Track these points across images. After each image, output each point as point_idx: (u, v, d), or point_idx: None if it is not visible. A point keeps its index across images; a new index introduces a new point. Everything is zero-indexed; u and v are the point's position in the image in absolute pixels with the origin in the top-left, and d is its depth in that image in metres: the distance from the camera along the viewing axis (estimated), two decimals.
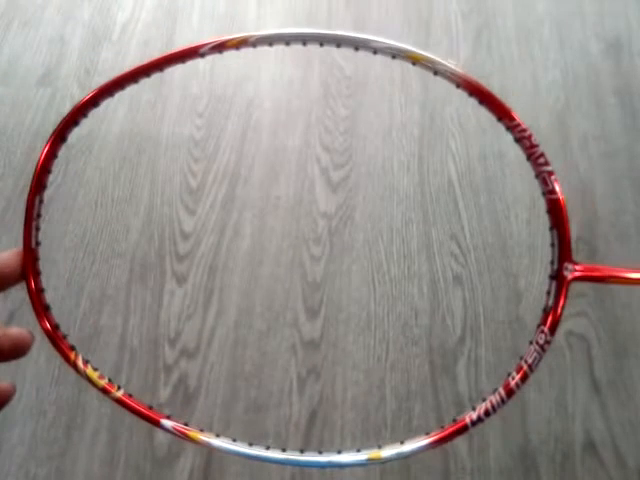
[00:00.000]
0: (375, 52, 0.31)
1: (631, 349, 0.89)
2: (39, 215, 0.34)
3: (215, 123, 1.07)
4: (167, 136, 1.06)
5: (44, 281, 0.34)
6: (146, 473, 0.81)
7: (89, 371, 0.35)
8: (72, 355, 0.35)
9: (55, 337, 0.35)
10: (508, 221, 0.98)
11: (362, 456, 0.34)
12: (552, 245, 0.34)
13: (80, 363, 0.34)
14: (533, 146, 0.32)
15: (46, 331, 0.35)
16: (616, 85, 1.11)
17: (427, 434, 0.35)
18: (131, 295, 0.93)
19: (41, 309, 0.34)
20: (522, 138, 0.33)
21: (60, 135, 0.34)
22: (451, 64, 0.31)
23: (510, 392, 0.35)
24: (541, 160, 0.33)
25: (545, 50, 1.15)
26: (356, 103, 1.10)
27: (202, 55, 0.30)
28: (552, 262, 0.34)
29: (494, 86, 1.24)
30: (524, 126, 0.32)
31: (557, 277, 0.34)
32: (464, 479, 0.81)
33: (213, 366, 0.88)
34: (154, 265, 0.95)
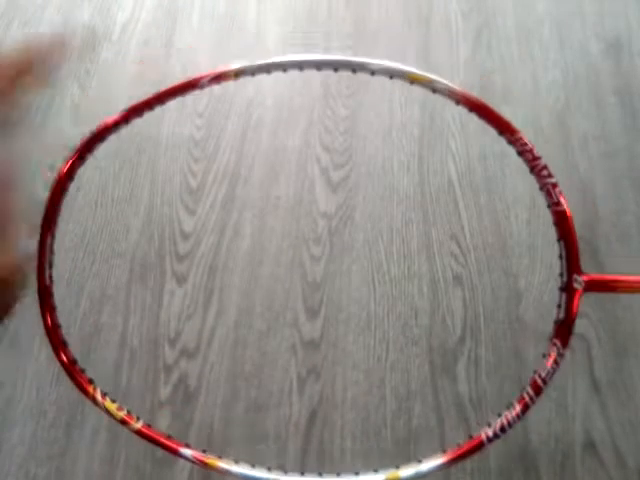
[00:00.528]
0: (373, 74, 0.31)
1: (631, 349, 0.89)
2: (52, 252, 0.34)
3: (215, 123, 1.07)
4: (167, 136, 1.06)
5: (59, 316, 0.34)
6: (146, 473, 0.81)
7: (107, 403, 0.35)
8: (90, 389, 0.35)
9: (73, 371, 0.35)
10: (508, 221, 0.98)
11: (380, 477, 0.35)
12: (560, 257, 0.34)
13: (99, 396, 0.35)
14: (535, 159, 0.32)
15: (65, 366, 0.35)
16: (616, 85, 1.11)
17: (444, 452, 0.35)
18: (131, 295, 0.93)
19: (59, 344, 0.35)
20: (524, 152, 0.32)
21: (68, 175, 0.34)
22: (448, 83, 0.31)
23: (525, 407, 0.34)
24: (544, 172, 0.32)
25: (545, 50, 1.15)
26: (356, 103, 1.10)
27: (201, 87, 0.30)
28: (561, 274, 0.34)
29: (494, 86, 1.24)
30: (525, 140, 0.32)
31: (567, 289, 0.33)
32: (464, 479, 0.81)
33: (213, 366, 0.88)
34: (154, 265, 0.95)
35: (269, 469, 0.36)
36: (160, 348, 0.89)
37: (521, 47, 1.15)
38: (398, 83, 1.19)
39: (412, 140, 1.06)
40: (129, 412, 0.35)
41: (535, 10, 1.20)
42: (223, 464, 0.36)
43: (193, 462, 0.35)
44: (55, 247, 1.04)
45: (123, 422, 0.35)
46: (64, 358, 0.35)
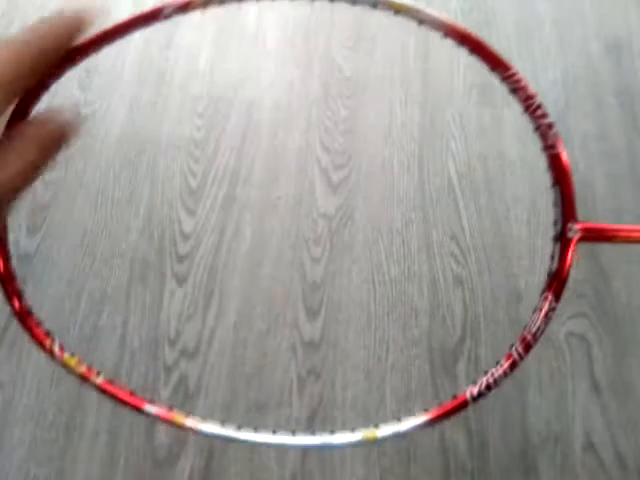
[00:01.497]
0: (354, 3, 0.28)
1: (631, 350, 0.89)
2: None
3: (215, 123, 1.07)
4: (167, 136, 1.06)
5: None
6: (146, 474, 0.81)
7: (66, 357, 0.32)
8: (48, 341, 0.32)
9: (29, 322, 0.32)
10: (508, 221, 0.98)
11: (356, 436, 0.32)
12: (554, 205, 0.31)
13: (57, 349, 0.32)
14: (530, 97, 0.30)
15: (19, 316, 0.32)
16: (616, 85, 1.11)
17: (425, 411, 0.33)
18: (131, 295, 0.93)
19: (13, 292, 0.31)
20: (518, 89, 0.30)
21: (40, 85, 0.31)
22: (435, 13, 0.28)
23: (513, 364, 0.32)
24: (539, 112, 0.30)
25: (545, 50, 1.15)
26: (356, 103, 1.10)
27: (167, 17, 0.27)
28: (555, 222, 0.32)
29: (494, 86, 1.23)
30: (520, 76, 0.29)
31: (561, 238, 0.31)
32: (464, 478, 0.81)
33: (213, 366, 0.88)
34: (154, 265, 0.95)
35: (239, 427, 0.34)
36: (160, 349, 0.89)
37: (521, 47, 1.15)
38: (398, 83, 1.19)
39: (412, 140, 1.06)
40: (89, 367, 0.33)
41: (535, 10, 1.20)
42: (190, 422, 0.34)
43: (158, 419, 0.34)
44: (55, 247, 1.05)
45: (83, 378, 0.33)
46: (17, 306, 0.31)
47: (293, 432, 0.33)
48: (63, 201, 1.00)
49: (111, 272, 0.95)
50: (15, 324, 0.91)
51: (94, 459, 0.82)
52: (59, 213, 0.99)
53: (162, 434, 0.83)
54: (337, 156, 1.04)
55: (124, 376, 0.87)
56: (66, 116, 0.25)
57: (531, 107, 0.29)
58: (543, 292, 0.32)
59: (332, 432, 0.32)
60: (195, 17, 1.20)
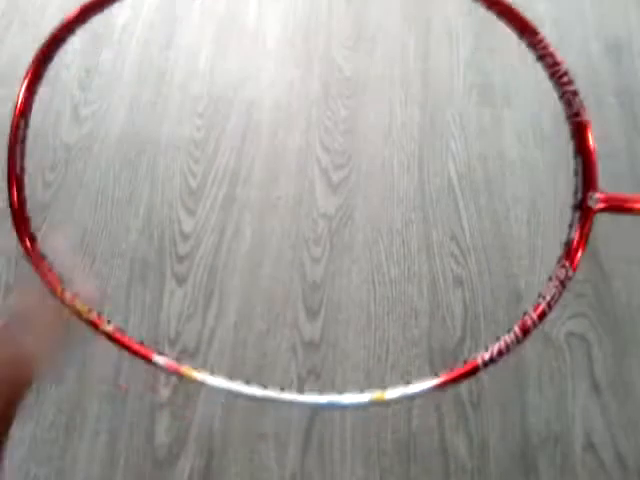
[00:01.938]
0: None
1: (631, 350, 0.89)
2: (23, 140, 0.32)
3: (215, 124, 1.07)
4: (167, 137, 1.06)
5: None
6: (146, 474, 0.81)
7: (77, 304, 0.33)
8: (59, 287, 0.33)
9: (42, 266, 0.32)
10: (508, 222, 0.98)
11: (365, 397, 0.32)
12: (575, 174, 0.31)
13: (68, 296, 0.32)
14: (557, 64, 0.29)
15: (33, 259, 0.32)
16: (616, 85, 1.11)
17: (436, 375, 0.32)
18: (131, 295, 0.93)
19: (27, 235, 0.32)
20: (545, 55, 0.29)
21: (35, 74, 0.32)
22: None
23: (527, 331, 0.30)
24: (565, 79, 0.29)
25: None
26: (356, 104, 1.10)
27: None
28: (575, 192, 0.30)
29: (494, 86, 1.23)
30: (547, 42, 0.29)
31: (581, 207, 0.30)
32: (464, 478, 0.81)
33: (213, 366, 0.88)
34: (154, 265, 0.95)
35: (247, 382, 0.34)
36: (160, 348, 0.89)
37: (521, 47, 1.15)
38: (398, 83, 1.19)
39: (412, 141, 1.06)
40: (99, 314, 0.33)
41: (535, 10, 1.20)
42: (198, 374, 0.34)
43: (166, 370, 0.34)
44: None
45: (92, 324, 0.33)
46: (30, 248, 0.32)
47: (301, 391, 0.32)
48: (63, 201, 1.00)
49: (111, 272, 0.94)
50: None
51: (94, 459, 0.82)
52: (59, 213, 0.99)
53: (162, 434, 0.83)
54: (337, 156, 1.04)
55: (124, 377, 0.87)
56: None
57: (557, 74, 0.29)
58: (560, 260, 0.31)
59: (340, 392, 0.32)
60: (195, 17, 1.21)
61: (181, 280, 0.94)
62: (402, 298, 0.93)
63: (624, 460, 0.82)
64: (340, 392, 0.31)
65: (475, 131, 1.06)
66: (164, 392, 0.86)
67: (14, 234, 0.32)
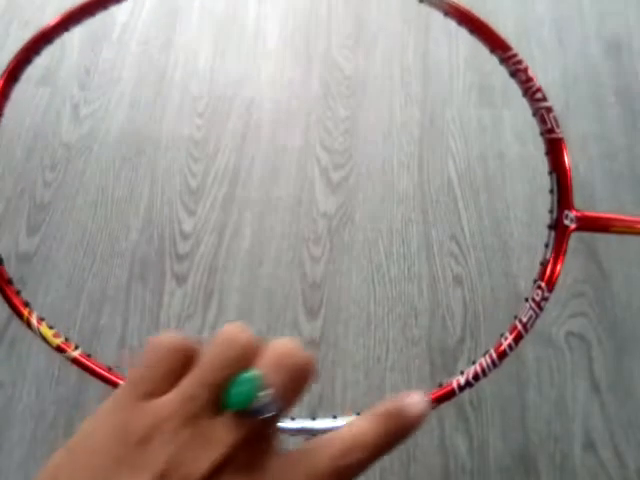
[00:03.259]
0: None
1: (631, 349, 0.89)
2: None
3: (215, 123, 1.07)
4: (167, 136, 1.06)
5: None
6: None
7: (43, 329, 0.31)
8: (26, 312, 0.31)
9: (8, 291, 0.31)
10: (508, 221, 0.98)
11: (338, 423, 0.30)
12: (551, 191, 0.30)
13: (34, 320, 0.31)
14: (529, 80, 0.28)
15: None
16: (616, 85, 1.11)
17: None
18: (131, 295, 0.93)
19: None
20: (517, 71, 0.29)
21: (12, 75, 0.31)
22: None
23: (502, 354, 0.30)
24: (538, 95, 0.29)
25: (545, 50, 1.15)
26: (356, 103, 1.10)
27: None
28: (551, 210, 0.30)
29: (494, 86, 1.23)
30: (519, 57, 0.28)
31: (557, 227, 0.30)
32: (464, 479, 0.81)
33: None
34: (154, 265, 0.95)
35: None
36: None
37: (521, 47, 1.15)
38: (398, 83, 1.19)
39: (412, 140, 1.06)
40: (67, 339, 0.32)
41: (535, 10, 1.20)
42: None
43: None
44: (55, 247, 1.05)
45: (59, 349, 0.32)
46: None
47: (292, 418, 0.31)
48: (63, 201, 1.00)
49: (111, 272, 0.95)
50: (15, 325, 0.90)
51: None
52: (59, 213, 0.99)
53: None
54: (337, 156, 1.04)
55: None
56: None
57: (530, 90, 0.28)
58: (535, 281, 0.30)
59: (313, 418, 0.31)
60: (195, 17, 1.21)
61: (181, 280, 0.94)
62: (402, 298, 0.93)
63: (624, 460, 0.82)
64: (313, 417, 0.30)
65: (475, 131, 1.06)
66: None
67: None
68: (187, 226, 0.98)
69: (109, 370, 0.32)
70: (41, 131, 1.06)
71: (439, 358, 0.88)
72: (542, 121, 0.28)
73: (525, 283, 0.93)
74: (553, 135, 0.28)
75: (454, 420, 0.84)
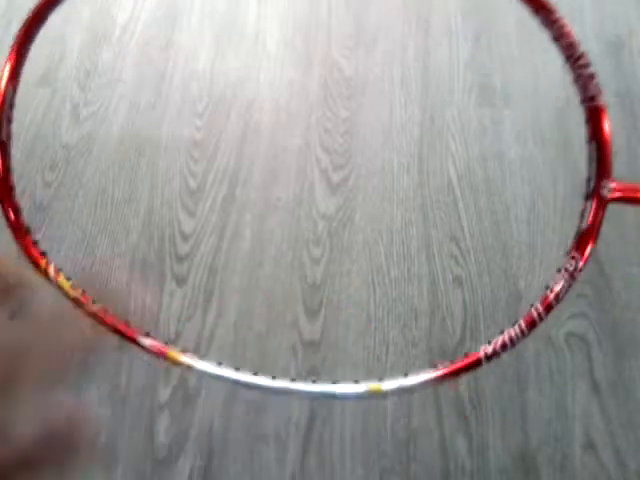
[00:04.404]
0: None
1: (631, 350, 0.89)
2: (11, 106, 0.30)
3: (215, 124, 1.07)
4: (167, 137, 1.06)
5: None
6: (146, 474, 0.81)
7: (61, 280, 0.31)
8: (43, 262, 0.31)
9: (24, 240, 0.31)
10: (508, 222, 0.98)
11: (361, 388, 0.30)
12: (589, 161, 0.29)
13: (52, 271, 0.31)
14: (572, 45, 0.28)
15: (14, 229, 0.30)
16: (616, 85, 1.11)
17: (435, 367, 0.31)
18: (131, 295, 0.93)
19: (10, 205, 0.29)
20: (560, 35, 0.28)
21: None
22: None
23: (532, 324, 0.29)
24: (582, 61, 0.28)
25: (545, 50, 1.15)
26: (356, 104, 1.10)
27: None
28: (588, 180, 0.29)
29: (494, 86, 1.23)
30: (564, 21, 0.27)
31: (594, 196, 0.29)
32: (464, 479, 0.81)
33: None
34: (154, 266, 0.95)
35: (237, 369, 0.33)
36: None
37: (521, 47, 1.15)
38: (398, 83, 1.19)
39: (412, 141, 1.06)
40: (84, 292, 0.32)
41: None
42: (186, 358, 0.32)
43: (152, 353, 0.32)
44: (55, 248, 1.05)
45: (76, 302, 0.31)
46: (13, 220, 0.29)
47: (293, 379, 0.31)
48: (63, 201, 1.00)
49: (111, 272, 0.95)
50: None
51: (94, 459, 0.82)
52: (59, 213, 0.99)
53: (162, 434, 0.83)
54: (337, 156, 1.04)
55: (123, 377, 0.87)
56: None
57: (573, 56, 0.27)
58: (569, 252, 0.29)
59: (335, 382, 0.30)
60: (195, 17, 1.20)
61: (181, 280, 0.94)
62: (402, 298, 0.93)
63: (624, 460, 0.82)
64: (334, 382, 0.30)
65: (475, 131, 1.06)
66: (164, 392, 0.86)
67: None
68: (187, 227, 0.98)
69: (127, 324, 0.32)
70: (41, 132, 1.06)
71: (439, 359, 0.88)
72: (584, 88, 0.28)
73: (525, 283, 0.93)
74: (594, 103, 0.28)
75: (454, 420, 0.84)
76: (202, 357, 0.32)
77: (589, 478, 0.81)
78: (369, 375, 0.87)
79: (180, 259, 0.95)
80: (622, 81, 1.12)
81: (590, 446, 0.83)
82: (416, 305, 0.92)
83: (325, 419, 0.84)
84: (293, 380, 0.30)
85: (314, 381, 0.30)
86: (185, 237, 0.97)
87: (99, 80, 1.12)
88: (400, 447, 0.83)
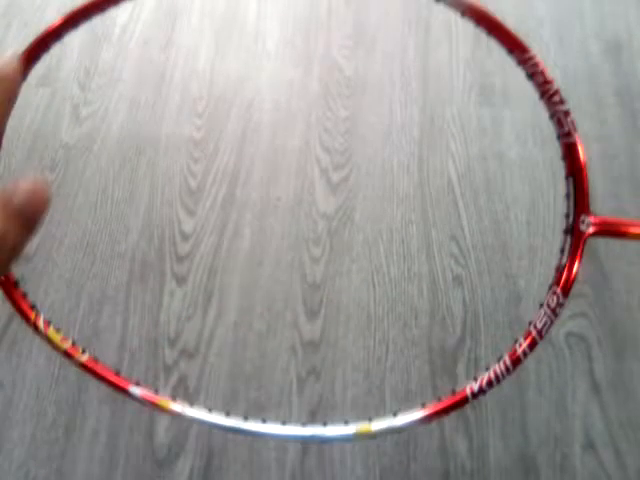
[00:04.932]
0: None
1: (631, 350, 0.89)
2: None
3: (215, 124, 1.07)
4: (167, 137, 1.06)
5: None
6: (146, 474, 0.81)
7: (51, 332, 0.31)
8: (32, 314, 0.31)
9: (14, 293, 0.30)
10: (508, 222, 0.98)
11: (350, 430, 0.30)
12: (567, 196, 0.29)
13: (41, 323, 0.31)
14: (547, 82, 0.28)
15: (2, 285, 0.30)
16: (616, 85, 1.11)
17: (423, 406, 0.31)
18: (131, 296, 0.93)
19: None
20: (535, 73, 0.28)
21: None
22: None
23: (516, 360, 0.30)
24: (556, 98, 0.28)
25: (545, 50, 1.15)
26: (356, 104, 1.10)
27: None
28: (567, 215, 0.29)
29: (494, 86, 1.23)
30: (537, 59, 0.28)
31: (573, 232, 0.29)
32: (464, 479, 0.81)
33: (213, 367, 0.88)
34: (154, 266, 0.95)
35: (227, 414, 0.33)
36: (160, 349, 0.89)
37: None
38: (398, 83, 1.19)
39: (412, 141, 1.06)
40: (74, 343, 0.32)
41: (535, 10, 1.20)
42: (176, 406, 0.32)
43: (142, 402, 0.32)
44: (55, 247, 1.05)
45: (67, 354, 0.31)
46: (2, 276, 0.29)
47: (283, 422, 0.31)
48: (63, 201, 1.00)
49: (111, 272, 0.95)
50: (15, 324, 0.90)
51: (94, 459, 0.82)
52: (59, 213, 0.99)
53: (162, 434, 0.83)
54: (337, 156, 1.04)
55: (124, 375, 0.87)
56: (31, 186, 0.23)
57: (548, 92, 0.27)
58: (551, 287, 0.30)
59: (324, 424, 0.31)
60: (195, 17, 1.21)
61: (181, 280, 0.94)
62: (402, 298, 0.93)
63: (624, 460, 0.82)
64: (324, 424, 0.30)
65: (475, 131, 1.06)
66: (163, 392, 0.86)
67: None
68: (187, 226, 0.98)
69: (117, 374, 0.32)
70: (41, 131, 1.06)
71: (439, 358, 0.88)
72: (559, 124, 0.28)
73: (525, 283, 0.93)
74: (570, 139, 0.28)
75: (454, 421, 0.84)
76: (192, 404, 0.33)
77: (589, 478, 0.81)
78: (368, 375, 0.87)
79: (180, 259, 0.95)
80: (622, 81, 1.12)
81: (590, 446, 0.83)
82: (416, 304, 0.92)
83: (325, 419, 0.84)
84: (284, 423, 0.31)
85: (304, 424, 0.30)
86: (185, 237, 0.97)
87: (99, 80, 1.12)
88: (400, 447, 0.83)
